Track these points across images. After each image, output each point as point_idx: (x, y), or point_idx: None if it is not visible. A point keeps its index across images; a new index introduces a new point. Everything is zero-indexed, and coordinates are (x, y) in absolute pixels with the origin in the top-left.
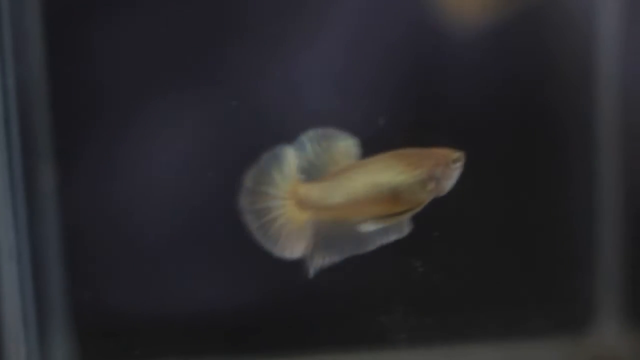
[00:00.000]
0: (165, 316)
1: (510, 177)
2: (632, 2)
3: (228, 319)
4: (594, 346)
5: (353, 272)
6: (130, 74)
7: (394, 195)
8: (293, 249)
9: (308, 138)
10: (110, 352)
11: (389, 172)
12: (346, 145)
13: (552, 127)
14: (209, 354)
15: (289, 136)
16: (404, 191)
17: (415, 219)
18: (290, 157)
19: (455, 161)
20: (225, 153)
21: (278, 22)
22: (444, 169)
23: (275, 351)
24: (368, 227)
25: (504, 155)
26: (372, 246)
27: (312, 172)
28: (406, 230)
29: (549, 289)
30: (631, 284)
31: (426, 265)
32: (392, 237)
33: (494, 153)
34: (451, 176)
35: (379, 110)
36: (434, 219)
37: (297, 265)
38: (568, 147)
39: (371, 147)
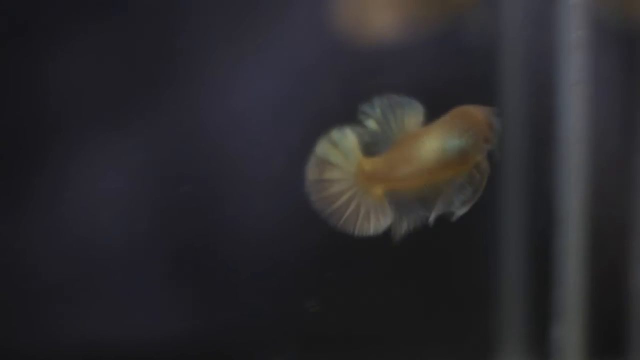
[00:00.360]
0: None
1: None
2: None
3: (121, 355)
4: None
5: (247, 313)
6: (45, 109)
7: (461, 155)
8: (377, 224)
9: (368, 110)
10: None
11: (453, 134)
12: (411, 111)
13: None
14: None
15: (227, 169)
16: (470, 149)
17: (309, 260)
18: (348, 136)
19: (496, 113)
20: (140, 188)
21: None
22: (494, 120)
23: None
24: (459, 211)
25: None
26: (450, 206)
27: (379, 144)
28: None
29: (449, 325)
30: (533, 320)
31: (320, 304)
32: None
33: None
34: (496, 128)
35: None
36: (327, 259)
37: (191, 307)
38: None
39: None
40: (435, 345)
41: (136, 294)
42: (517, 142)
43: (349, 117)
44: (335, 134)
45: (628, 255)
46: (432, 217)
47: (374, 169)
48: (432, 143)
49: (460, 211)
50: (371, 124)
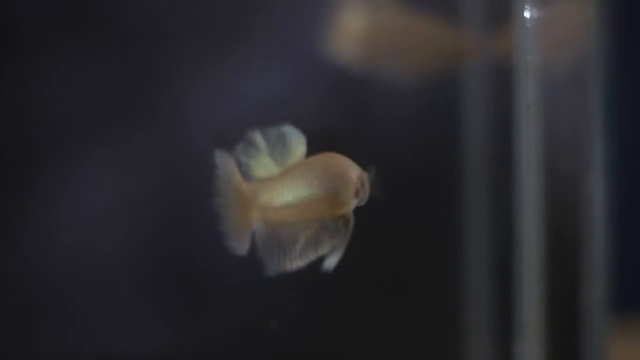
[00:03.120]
0: None
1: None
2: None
3: None
4: None
5: (207, 334)
6: (43, 117)
7: (332, 196)
8: (243, 248)
9: (253, 138)
10: None
11: (326, 174)
12: (295, 142)
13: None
14: None
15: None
16: (339, 194)
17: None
18: (227, 161)
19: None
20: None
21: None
22: (367, 179)
23: None
24: (331, 261)
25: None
26: (323, 249)
27: (261, 172)
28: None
29: (413, 343)
30: (497, 336)
31: (282, 324)
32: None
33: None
34: (367, 188)
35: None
36: (287, 277)
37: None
38: (435, 202)
39: None
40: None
41: (113, 310)
42: (477, 162)
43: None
44: (216, 157)
45: (581, 273)
46: (296, 264)
47: (252, 195)
48: (308, 179)
49: (330, 261)
50: (256, 150)
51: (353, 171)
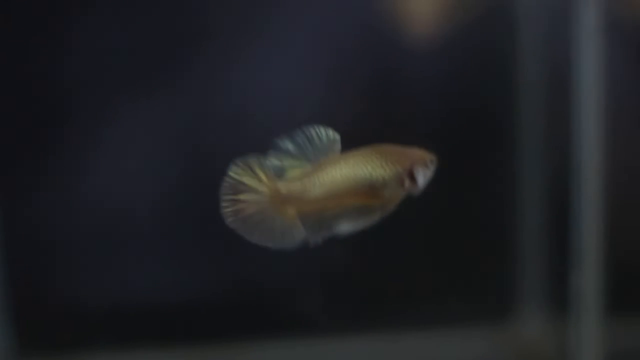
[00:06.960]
0: (102, 307)
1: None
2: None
3: (163, 308)
4: (517, 337)
5: (272, 262)
6: (72, 80)
7: (371, 189)
8: (290, 240)
9: (286, 138)
10: (49, 344)
11: (367, 167)
12: (328, 141)
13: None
14: (145, 343)
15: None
16: (381, 186)
17: None
18: (260, 163)
19: (431, 162)
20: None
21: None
22: (420, 169)
23: (206, 341)
24: (346, 227)
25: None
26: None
27: (294, 169)
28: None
29: (470, 278)
30: (554, 273)
31: (345, 254)
32: (363, 224)
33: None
34: (426, 177)
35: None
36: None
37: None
38: (489, 138)
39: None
40: (457, 298)
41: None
42: (533, 90)
43: None
44: (250, 159)
45: None
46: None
47: (288, 191)
48: (344, 171)
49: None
50: (288, 152)
51: (399, 165)
